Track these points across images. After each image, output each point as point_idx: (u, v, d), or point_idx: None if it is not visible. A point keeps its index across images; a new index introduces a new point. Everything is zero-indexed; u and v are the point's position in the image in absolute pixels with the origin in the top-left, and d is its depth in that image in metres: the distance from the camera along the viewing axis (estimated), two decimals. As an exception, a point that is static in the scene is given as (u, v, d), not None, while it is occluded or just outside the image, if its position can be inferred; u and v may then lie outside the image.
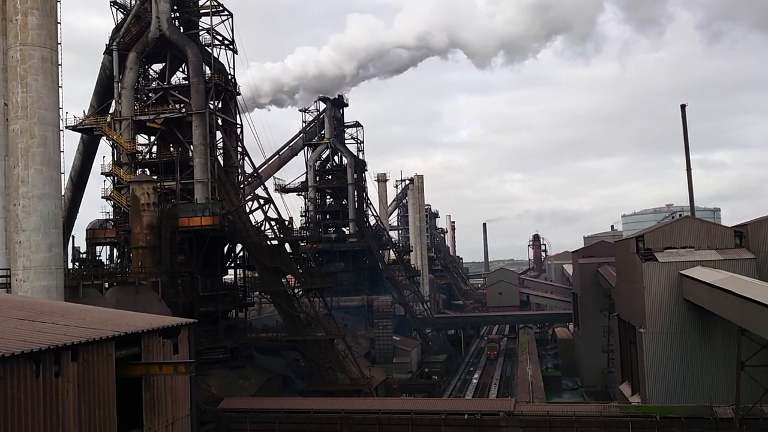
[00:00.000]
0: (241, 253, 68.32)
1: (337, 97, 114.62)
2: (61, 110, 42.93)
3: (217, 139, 68.18)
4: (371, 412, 46.05)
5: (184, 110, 65.63)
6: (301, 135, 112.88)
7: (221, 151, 69.45)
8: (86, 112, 69.02)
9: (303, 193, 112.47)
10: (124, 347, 22.10)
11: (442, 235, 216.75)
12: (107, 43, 68.18)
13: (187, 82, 67.05)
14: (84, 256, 66.23)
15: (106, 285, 52.59)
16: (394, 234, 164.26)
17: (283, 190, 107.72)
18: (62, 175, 43.84)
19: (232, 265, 69.35)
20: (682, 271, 46.63)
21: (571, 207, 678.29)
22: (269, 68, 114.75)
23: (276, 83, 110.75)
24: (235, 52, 70.21)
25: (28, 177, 39.84)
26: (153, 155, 68.70)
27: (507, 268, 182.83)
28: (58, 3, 42.60)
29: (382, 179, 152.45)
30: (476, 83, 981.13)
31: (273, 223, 65.50)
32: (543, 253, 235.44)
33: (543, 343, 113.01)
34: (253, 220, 65.28)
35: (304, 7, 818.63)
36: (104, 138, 66.83)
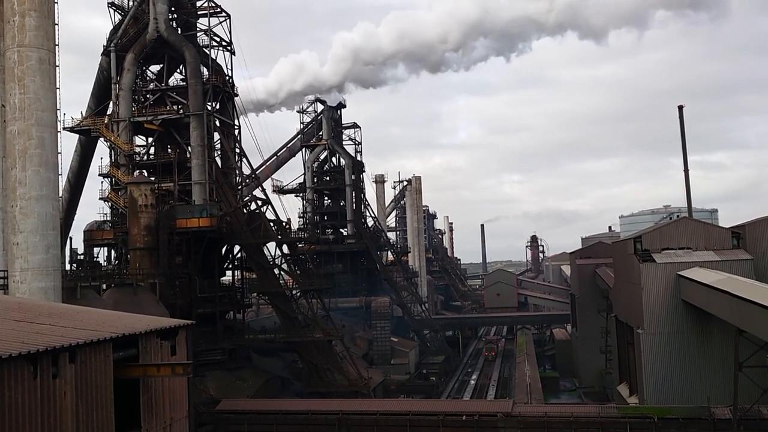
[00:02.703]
0: (239, 255, 68.28)
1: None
2: (59, 111, 42.98)
3: (215, 140, 68.15)
4: (369, 413, 46.09)
5: (181, 111, 65.56)
6: (299, 136, 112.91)
7: (219, 153, 69.43)
8: (84, 114, 68.97)
9: (301, 195, 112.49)
10: (122, 349, 22.11)
11: (440, 236, 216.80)
12: (105, 44, 68.14)
13: (184, 83, 66.98)
14: (82, 257, 66.16)
15: (104, 286, 52.56)
16: (392, 235, 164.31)
17: (281, 191, 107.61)
18: (60, 176, 43.83)
19: (230, 266, 69.29)
20: (679, 272, 46.70)
21: (569, 208, 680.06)
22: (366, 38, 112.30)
23: (374, 54, 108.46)
24: (232, 53, 70.16)
25: (25, 178, 39.82)
26: (150, 156, 68.60)
27: (505, 269, 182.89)
28: (56, 4, 42.58)
29: (379, 180, 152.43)
30: (476, 84, 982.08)
31: (271, 224, 65.49)
32: (541, 254, 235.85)
33: (541, 344, 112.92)
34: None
35: (304, 8, 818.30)
36: (102, 139, 66.72)
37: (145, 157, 68.46)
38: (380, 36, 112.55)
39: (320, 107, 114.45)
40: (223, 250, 67.96)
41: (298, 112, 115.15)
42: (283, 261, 67.13)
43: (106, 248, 67.03)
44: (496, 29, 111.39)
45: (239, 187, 70.60)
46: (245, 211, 65.57)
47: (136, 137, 67.98)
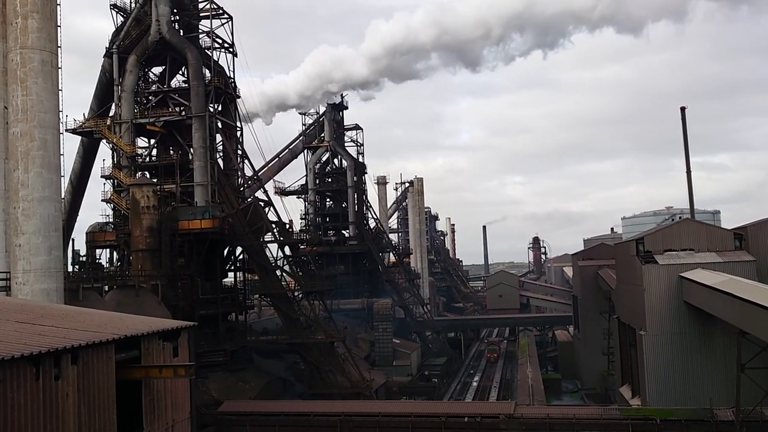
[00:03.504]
0: (241, 256, 68.32)
1: (340, 98, 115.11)
2: (61, 113, 43.02)
3: (217, 142, 68.21)
4: (371, 415, 46.02)
5: (183, 113, 65.68)
6: (301, 138, 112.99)
7: (221, 154, 69.49)
8: (86, 115, 69.05)
9: (303, 196, 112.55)
10: (124, 350, 22.12)
11: (442, 237, 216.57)
12: (107, 46, 68.23)
13: (187, 85, 67.07)
14: (84, 258, 66.13)
15: (106, 288, 52.60)
16: (393, 237, 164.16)
17: (283, 192, 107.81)
18: (62, 178, 43.92)
19: (232, 267, 69.31)
20: (681, 274, 46.64)
21: (572, 209, 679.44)
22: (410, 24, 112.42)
23: (413, 44, 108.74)
24: (235, 55, 70.32)
25: (28, 180, 39.89)
26: (153, 158, 68.69)
27: (507, 271, 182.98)
28: (59, 6, 42.67)
29: (381, 182, 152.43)
30: (478, 85, 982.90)
31: (273, 225, 65.54)
32: (543, 256, 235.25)
33: (543, 346, 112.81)
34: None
35: (307, 10, 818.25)
36: (104, 141, 66.78)
37: (147, 159, 68.55)
38: (417, 28, 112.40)
39: (322, 109, 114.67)
40: (225, 251, 67.99)
41: (300, 113, 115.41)
42: (285, 262, 67.20)
43: (108, 250, 67.00)
44: (537, 23, 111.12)
45: (241, 189, 70.66)
46: (247, 205, 65.59)
47: (139, 139, 68.08)
